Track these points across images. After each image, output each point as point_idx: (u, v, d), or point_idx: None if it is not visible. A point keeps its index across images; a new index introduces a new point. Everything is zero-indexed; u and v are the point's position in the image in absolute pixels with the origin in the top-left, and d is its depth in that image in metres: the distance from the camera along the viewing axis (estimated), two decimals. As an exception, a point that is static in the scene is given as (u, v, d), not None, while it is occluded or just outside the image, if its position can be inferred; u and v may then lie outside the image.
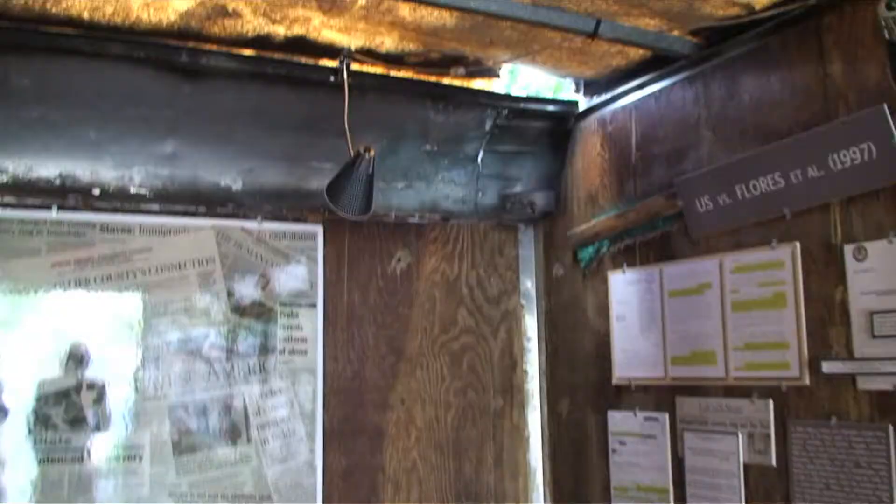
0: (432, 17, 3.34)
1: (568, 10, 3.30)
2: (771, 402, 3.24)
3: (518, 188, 4.36)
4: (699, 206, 3.48)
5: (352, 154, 3.56)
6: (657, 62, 3.58)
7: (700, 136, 3.58)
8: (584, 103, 4.07)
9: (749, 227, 3.21)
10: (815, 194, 3.07)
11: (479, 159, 4.17)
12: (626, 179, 3.81)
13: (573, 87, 4.09)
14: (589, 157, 4.08)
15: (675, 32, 3.50)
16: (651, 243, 3.66)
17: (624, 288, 3.82)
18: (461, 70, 3.73)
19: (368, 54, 3.76)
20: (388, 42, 3.66)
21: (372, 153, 3.54)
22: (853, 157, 2.86)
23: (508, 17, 3.28)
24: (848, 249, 2.92)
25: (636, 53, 3.75)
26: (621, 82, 3.83)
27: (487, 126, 4.09)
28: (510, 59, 3.62)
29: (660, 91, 3.67)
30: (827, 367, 3.00)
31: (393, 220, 4.08)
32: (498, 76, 3.93)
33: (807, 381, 3.09)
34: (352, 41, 3.63)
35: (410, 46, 3.74)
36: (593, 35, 3.39)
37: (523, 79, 4.15)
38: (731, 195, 3.34)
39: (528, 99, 4.08)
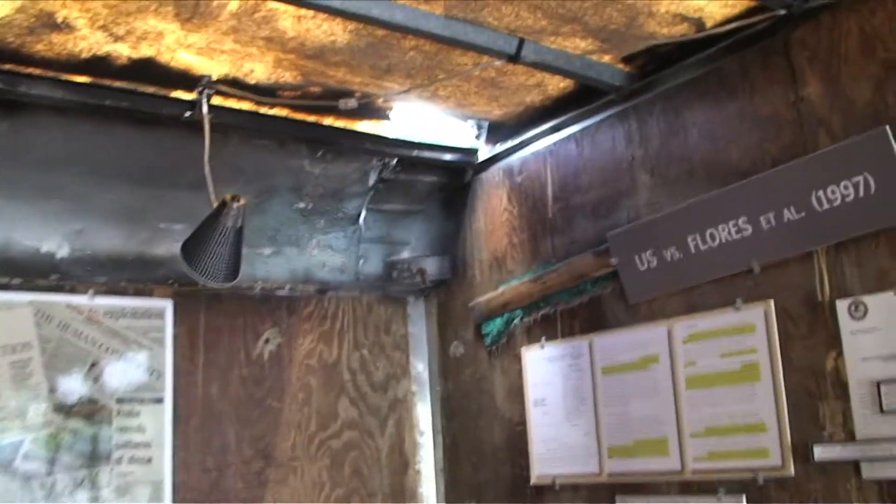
0: (320, 31, 2.71)
1: (488, 25, 2.72)
2: (744, 499, 2.70)
3: (406, 253, 3.98)
4: (639, 264, 3.04)
5: (214, 204, 2.79)
6: (579, 98, 3.27)
7: (636, 181, 3.16)
8: (485, 151, 3.71)
9: (706, 285, 2.82)
10: (793, 241, 2.61)
11: (361, 220, 3.81)
12: (542, 237, 3.45)
13: (474, 131, 3.64)
14: (493, 213, 3.73)
15: (607, 59, 3.03)
16: (577, 311, 3.27)
17: (543, 366, 3.40)
18: (352, 102, 3.01)
19: (234, 85, 3.15)
20: (259, 70, 3.02)
21: (242, 203, 2.82)
22: (844, 193, 2.38)
23: (416, 32, 2.72)
24: (841, 305, 2.46)
25: (556, 87, 3.33)
26: (533, 124, 3.49)
27: (372, 180, 3.74)
28: (408, 92, 3.18)
29: (582, 132, 3.35)
30: (820, 452, 2.49)
31: (259, 292, 3.64)
32: (388, 118, 3.46)
33: (791, 470, 2.57)
34: (214, 67, 3.02)
35: (287, 76, 3.14)
36: (514, 58, 2.86)
37: (416, 123, 3.42)
38: (682, 248, 2.89)
39: (421, 145, 3.61)
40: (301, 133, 3.36)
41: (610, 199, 3.16)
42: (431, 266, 3.91)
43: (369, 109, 3.44)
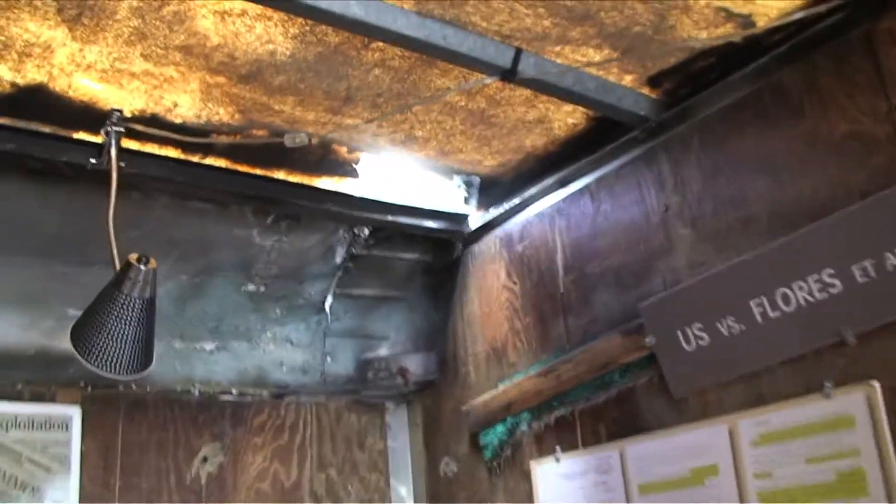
0: (253, 37, 2.10)
1: (475, 28, 2.01)
2: None
3: (384, 349, 3.46)
4: (684, 343, 2.40)
5: (117, 267, 2.08)
6: (594, 137, 2.73)
7: (672, 237, 2.53)
8: (477, 217, 3.23)
9: (779, 367, 2.18)
10: (905, 297, 1.91)
11: (327, 307, 3.31)
12: (553, 318, 2.90)
13: (462, 192, 3.14)
14: (489, 293, 3.22)
15: (629, 80, 2.43)
16: (602, 411, 2.66)
17: (559, 486, 2.76)
18: (300, 137, 2.37)
19: (153, 123, 2.53)
20: (184, 103, 2.45)
21: (152, 266, 2.08)
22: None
23: (380, 34, 2.08)
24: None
25: (563, 124, 2.71)
26: (536, 177, 2.99)
27: (339, 256, 3.23)
28: (377, 133, 2.68)
29: (599, 182, 2.79)
30: None
31: (196, 396, 3.07)
32: (354, 173, 2.94)
33: None
34: (125, 99, 2.42)
35: (221, 114, 2.52)
36: (509, 74, 2.22)
37: (389, 181, 2.79)
38: (742, 318, 2.25)
39: (398, 209, 3.09)
40: (246, 191, 2.82)
41: (639, 263, 2.61)
42: (415, 364, 3.40)
43: (330, 162, 2.86)
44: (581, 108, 2.58)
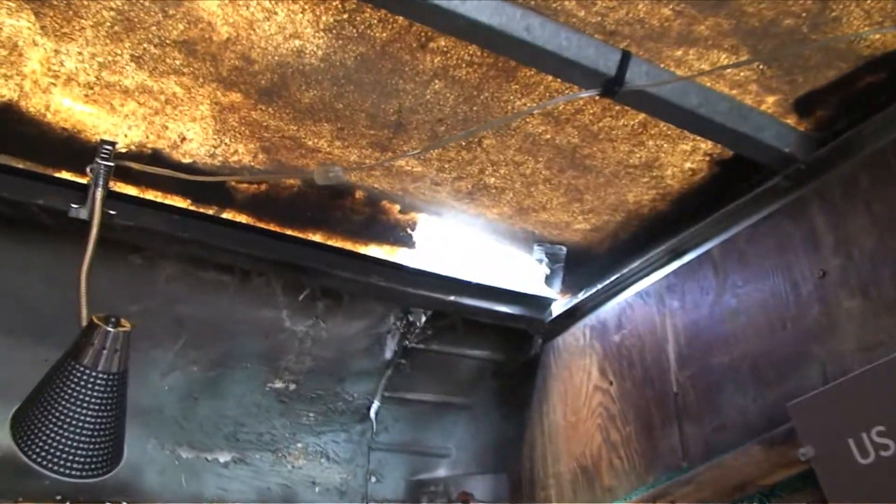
0: (273, 27, 1.64)
1: (568, 17, 1.52)
2: None
3: (442, 469, 3.05)
4: (858, 454, 1.78)
5: (81, 324, 1.68)
6: (719, 191, 2.24)
7: (833, 311, 1.94)
8: (561, 302, 2.81)
9: None
10: None
11: (372, 413, 2.92)
12: (662, 426, 2.37)
13: (543, 269, 2.70)
14: (577, 396, 2.75)
15: (770, 104, 1.77)
16: None
17: None
18: (335, 171, 1.80)
19: (156, 161, 2.06)
20: (194, 134, 2.02)
21: (124, 328, 1.54)
22: None
23: (446, 18, 1.55)
24: None
25: (678, 171, 2.18)
26: (640, 246, 2.53)
27: (389, 348, 2.85)
28: (433, 189, 2.24)
29: (724, 247, 2.26)
30: None
31: None
32: (409, 241, 2.52)
33: None
34: (121, 128, 1.97)
35: (240, 151, 2.06)
36: (613, 84, 1.67)
37: (451, 252, 2.41)
38: None
39: (465, 288, 2.69)
40: (273, 255, 2.39)
41: (784, 349, 2.02)
42: (481, 488, 2.99)
43: (379, 224, 2.43)
44: (703, 148, 2.05)
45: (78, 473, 1.64)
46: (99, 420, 1.63)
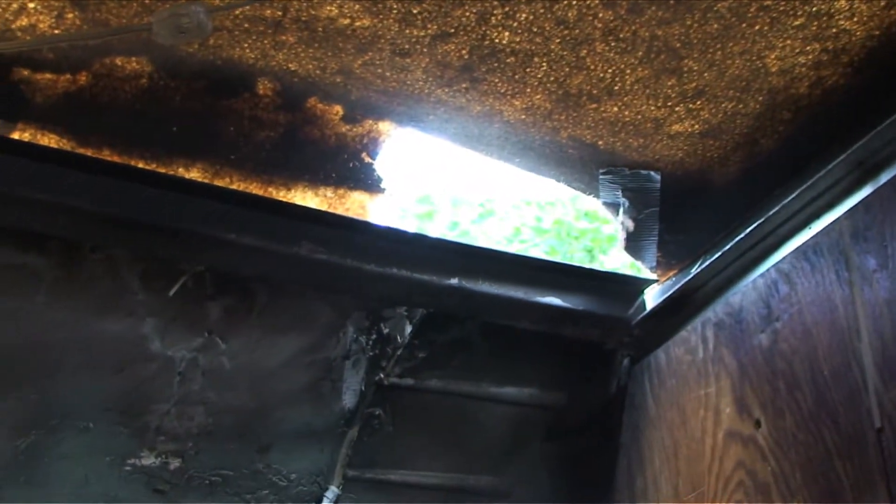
0: None
1: None
2: None
3: None
4: None
5: None
6: None
7: None
8: (661, 286, 2.84)
9: None
10: None
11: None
12: (859, 492, 2.25)
13: (624, 221, 2.69)
14: (694, 453, 2.74)
15: None
16: None
17: None
18: (197, 13, 1.62)
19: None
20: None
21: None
22: None
23: None
24: None
25: (862, 21, 2.09)
26: (797, 167, 2.49)
27: (351, 386, 2.86)
28: (402, 65, 2.17)
29: None
30: None
31: None
32: (372, 185, 2.56)
33: None
34: None
35: (33, 7, 1.99)
36: None
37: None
38: None
39: (485, 259, 2.74)
40: (115, 211, 2.35)
41: None
42: None
43: (309, 148, 2.43)
44: None
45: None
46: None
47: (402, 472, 2.90)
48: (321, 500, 2.85)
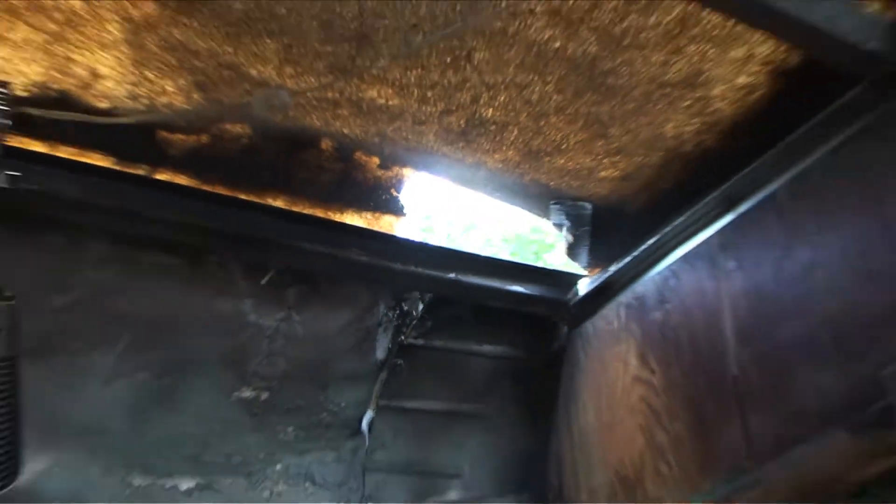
0: None
1: None
2: None
3: (453, 491, 2.80)
4: None
5: None
6: (784, 114, 1.88)
7: None
8: (587, 280, 2.57)
9: None
10: None
11: (365, 425, 2.65)
12: (720, 420, 2.07)
13: (565, 234, 2.40)
14: (612, 392, 2.50)
15: None
16: None
17: None
18: (281, 96, 1.49)
19: (64, 106, 1.74)
20: (106, 68, 1.68)
21: (8, 302, 1.16)
22: None
23: None
24: None
25: (730, 88, 1.85)
26: (685, 197, 2.24)
27: (381, 346, 2.59)
28: (417, 129, 1.94)
29: (792, 186, 1.91)
30: None
31: None
32: (397, 208, 2.30)
33: None
34: (15, 59, 1.67)
35: (167, 87, 1.78)
36: None
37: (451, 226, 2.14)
38: None
39: (469, 262, 2.46)
40: (224, 227, 2.11)
41: (876, 307, 1.69)
42: None
43: (356, 184, 2.16)
44: (760, 54, 1.74)
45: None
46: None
47: (416, 401, 2.76)
48: (363, 420, 2.69)
